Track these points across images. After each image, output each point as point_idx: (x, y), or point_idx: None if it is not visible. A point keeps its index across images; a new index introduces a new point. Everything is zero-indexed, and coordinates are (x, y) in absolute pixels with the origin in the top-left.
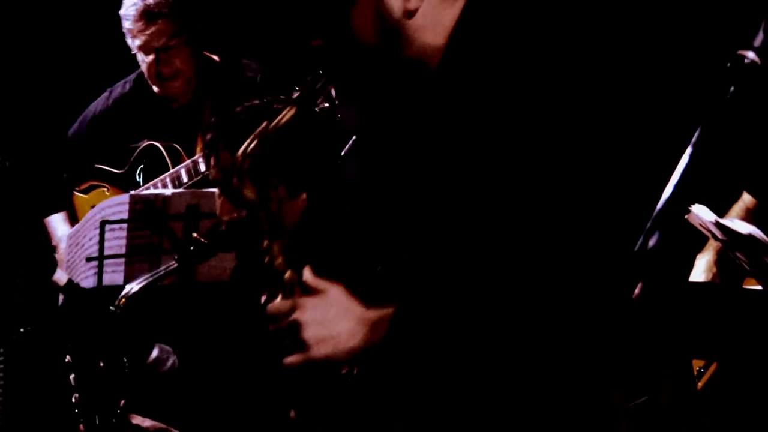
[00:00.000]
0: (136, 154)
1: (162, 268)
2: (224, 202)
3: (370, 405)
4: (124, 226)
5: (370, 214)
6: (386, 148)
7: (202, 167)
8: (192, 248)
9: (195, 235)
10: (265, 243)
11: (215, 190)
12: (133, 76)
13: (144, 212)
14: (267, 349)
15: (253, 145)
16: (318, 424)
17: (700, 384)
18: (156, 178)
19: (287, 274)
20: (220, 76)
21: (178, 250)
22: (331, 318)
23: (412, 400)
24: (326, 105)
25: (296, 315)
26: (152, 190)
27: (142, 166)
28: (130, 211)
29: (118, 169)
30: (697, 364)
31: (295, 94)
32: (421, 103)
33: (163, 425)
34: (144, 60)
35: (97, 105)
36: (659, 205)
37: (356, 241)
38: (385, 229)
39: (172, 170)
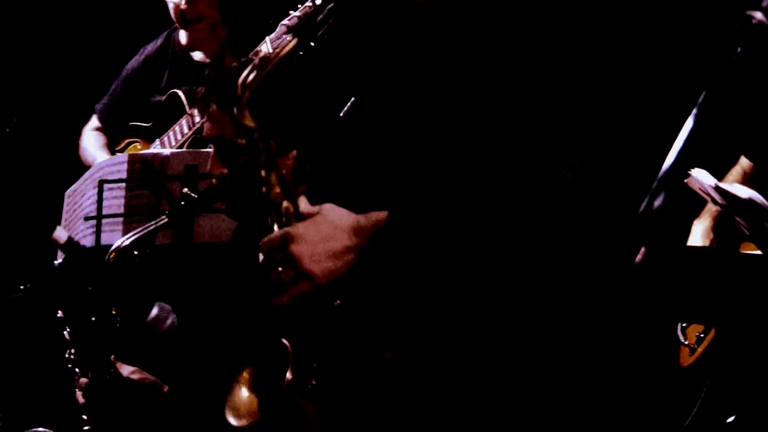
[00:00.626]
0: (162, 105)
1: (152, 222)
2: (215, 158)
3: (360, 334)
4: (123, 185)
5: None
6: (380, 81)
7: None
8: (183, 203)
9: (186, 190)
10: (263, 173)
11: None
12: (164, 33)
13: (142, 172)
14: (261, 295)
15: (252, 75)
16: (311, 357)
17: (699, 349)
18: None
19: (284, 204)
20: (245, 30)
21: (171, 205)
22: (325, 235)
23: (401, 324)
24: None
25: (291, 247)
26: (151, 150)
27: (167, 116)
28: (129, 170)
29: (147, 123)
30: (696, 329)
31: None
32: (412, 34)
33: (151, 377)
34: (171, 1)
35: (131, 64)
36: (663, 168)
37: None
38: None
39: (188, 111)
